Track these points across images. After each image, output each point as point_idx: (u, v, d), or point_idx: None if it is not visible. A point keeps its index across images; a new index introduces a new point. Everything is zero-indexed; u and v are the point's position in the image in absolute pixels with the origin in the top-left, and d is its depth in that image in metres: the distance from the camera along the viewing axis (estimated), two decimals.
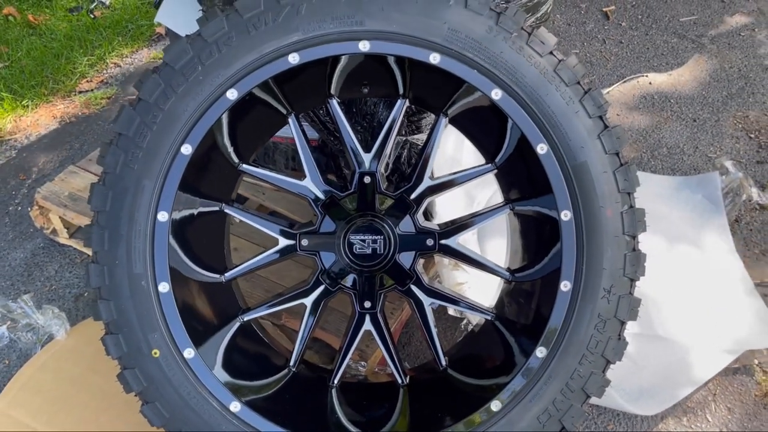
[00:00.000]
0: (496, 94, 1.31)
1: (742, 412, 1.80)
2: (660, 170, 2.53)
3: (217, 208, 1.50)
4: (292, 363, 1.52)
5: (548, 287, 1.37)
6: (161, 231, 1.31)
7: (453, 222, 1.55)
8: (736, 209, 2.33)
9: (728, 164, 2.38)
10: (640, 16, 3.36)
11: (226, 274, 1.52)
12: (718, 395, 1.84)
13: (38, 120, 2.81)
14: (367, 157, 1.51)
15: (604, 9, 3.39)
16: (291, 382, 1.50)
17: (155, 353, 1.30)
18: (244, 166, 1.51)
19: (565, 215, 1.31)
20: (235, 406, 1.32)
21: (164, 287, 1.31)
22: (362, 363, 1.76)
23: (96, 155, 2.34)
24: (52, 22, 3.29)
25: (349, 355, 1.52)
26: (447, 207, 1.86)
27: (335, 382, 1.52)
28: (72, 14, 3.35)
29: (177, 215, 1.35)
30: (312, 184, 1.51)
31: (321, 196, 1.51)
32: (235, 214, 1.52)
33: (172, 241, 1.34)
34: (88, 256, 2.21)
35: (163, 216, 1.31)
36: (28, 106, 2.85)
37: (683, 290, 2.00)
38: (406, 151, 1.89)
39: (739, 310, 1.98)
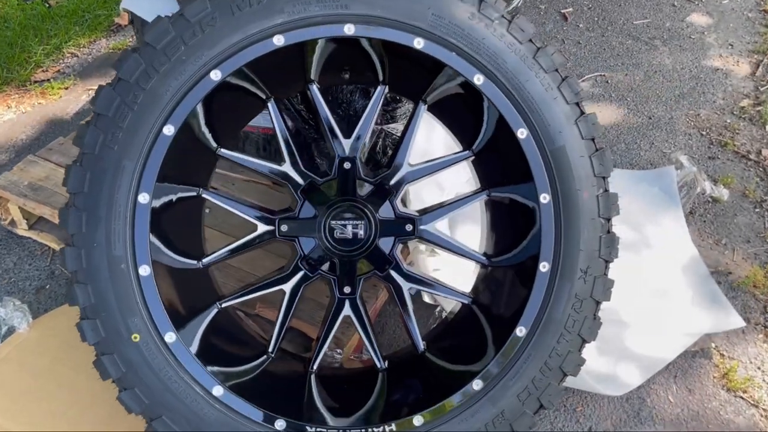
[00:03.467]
0: (478, 79, 1.33)
1: (702, 393, 1.89)
2: (619, 164, 2.62)
3: (194, 193, 1.48)
4: (270, 349, 1.51)
5: (527, 270, 1.40)
6: (142, 212, 1.29)
7: (431, 208, 1.57)
8: (691, 201, 2.43)
9: (683, 159, 2.48)
10: (596, 18, 3.46)
11: (203, 260, 1.50)
12: (678, 377, 1.92)
13: None
14: (347, 143, 1.52)
15: (562, 11, 3.49)
16: (271, 367, 1.49)
17: (135, 338, 1.28)
18: (223, 150, 1.50)
19: (544, 198, 1.35)
20: (218, 390, 1.30)
21: (145, 270, 1.29)
22: (338, 350, 1.77)
23: (56, 144, 2.28)
24: (5, 11, 3.17)
25: (329, 341, 1.52)
26: (419, 196, 1.88)
27: (314, 368, 1.52)
28: (26, 2, 3.24)
29: (158, 198, 1.33)
30: (291, 169, 1.51)
31: (300, 181, 1.51)
32: (213, 198, 1.50)
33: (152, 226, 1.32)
34: (49, 248, 2.15)
35: (144, 198, 1.28)
36: None
37: (644, 278, 2.08)
38: (381, 140, 1.90)
39: (696, 296, 2.07)
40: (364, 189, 1.52)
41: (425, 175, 1.57)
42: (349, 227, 1.48)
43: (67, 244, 1.29)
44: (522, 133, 1.34)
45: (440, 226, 1.60)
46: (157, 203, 1.33)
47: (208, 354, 1.39)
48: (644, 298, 1.99)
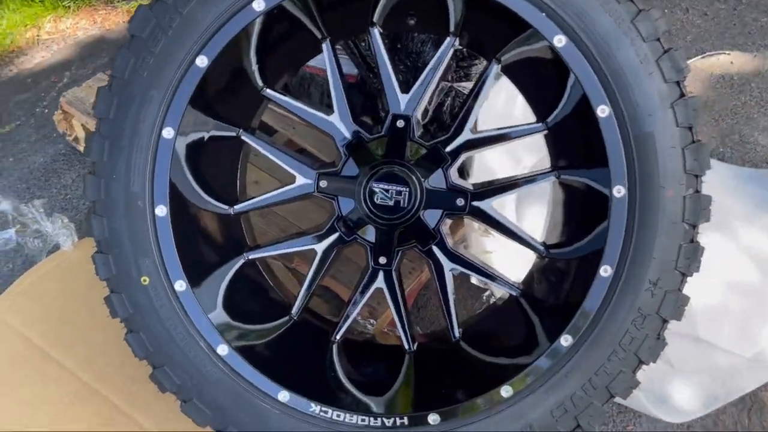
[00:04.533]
0: (560, 41, 1.12)
1: None
2: (728, 159, 2.30)
3: (233, 134, 1.37)
4: (294, 311, 1.40)
5: (586, 270, 1.21)
6: (165, 149, 1.19)
7: (489, 183, 1.39)
8: None
9: None
10: None
11: (235, 207, 1.40)
12: (754, 411, 1.67)
13: (78, 23, 2.71)
14: (403, 99, 1.35)
15: None
16: (291, 331, 1.39)
17: (144, 280, 1.20)
18: (268, 91, 1.37)
19: (618, 191, 1.14)
20: (223, 350, 1.21)
21: (161, 211, 1.20)
22: (371, 321, 1.64)
23: None
24: None
25: (356, 312, 1.40)
26: (487, 168, 1.70)
27: (337, 337, 1.40)
28: None
29: (186, 134, 1.23)
30: (339, 121, 1.36)
31: (347, 135, 1.36)
32: (252, 142, 1.39)
33: (178, 162, 1.23)
34: None
35: (168, 132, 1.18)
36: (69, 7, 2.75)
37: (734, 292, 1.81)
38: (450, 99, 1.71)
39: None
40: (416, 152, 1.36)
41: (489, 144, 1.38)
42: (392, 193, 1.32)
43: (89, 172, 1.22)
44: (603, 111, 1.12)
45: (499, 204, 1.42)
46: (185, 139, 1.23)
47: (227, 307, 1.30)
48: (730, 316, 1.74)
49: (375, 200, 1.33)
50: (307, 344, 1.39)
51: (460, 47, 1.42)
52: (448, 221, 1.39)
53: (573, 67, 1.12)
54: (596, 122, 1.13)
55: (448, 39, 1.34)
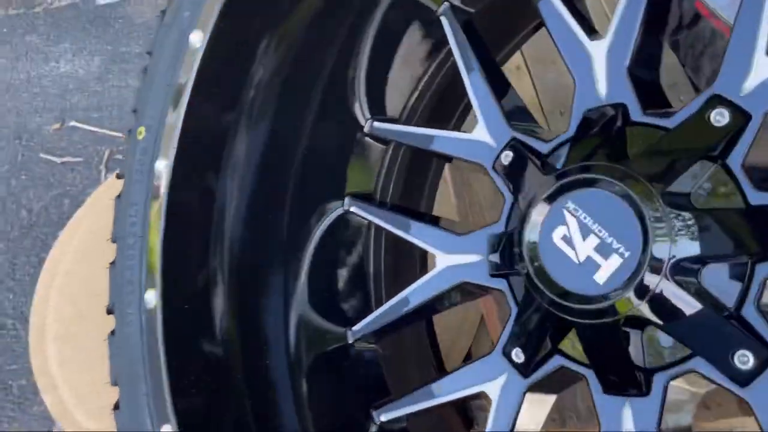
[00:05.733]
0: None
1: None
2: None
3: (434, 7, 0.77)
4: (352, 332, 0.80)
5: None
6: None
7: None
8: None
9: None
10: None
11: (375, 123, 0.82)
12: None
13: None
14: (761, 70, 0.55)
15: None
16: (337, 358, 0.80)
17: (140, 132, 0.75)
18: None
19: None
20: (151, 298, 0.69)
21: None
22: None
23: None
24: None
25: (422, 407, 0.73)
26: None
27: (381, 418, 0.76)
28: None
29: None
30: (603, 57, 0.63)
31: (601, 89, 0.63)
32: (450, 38, 0.76)
33: None
34: None
35: None
36: None
37: None
38: None
39: None
40: (714, 194, 0.56)
41: None
42: (593, 238, 0.57)
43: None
44: None
45: None
46: None
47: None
48: None
49: (551, 234, 0.59)
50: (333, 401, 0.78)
51: None
52: (700, 374, 0.58)
53: None
54: None
55: None
